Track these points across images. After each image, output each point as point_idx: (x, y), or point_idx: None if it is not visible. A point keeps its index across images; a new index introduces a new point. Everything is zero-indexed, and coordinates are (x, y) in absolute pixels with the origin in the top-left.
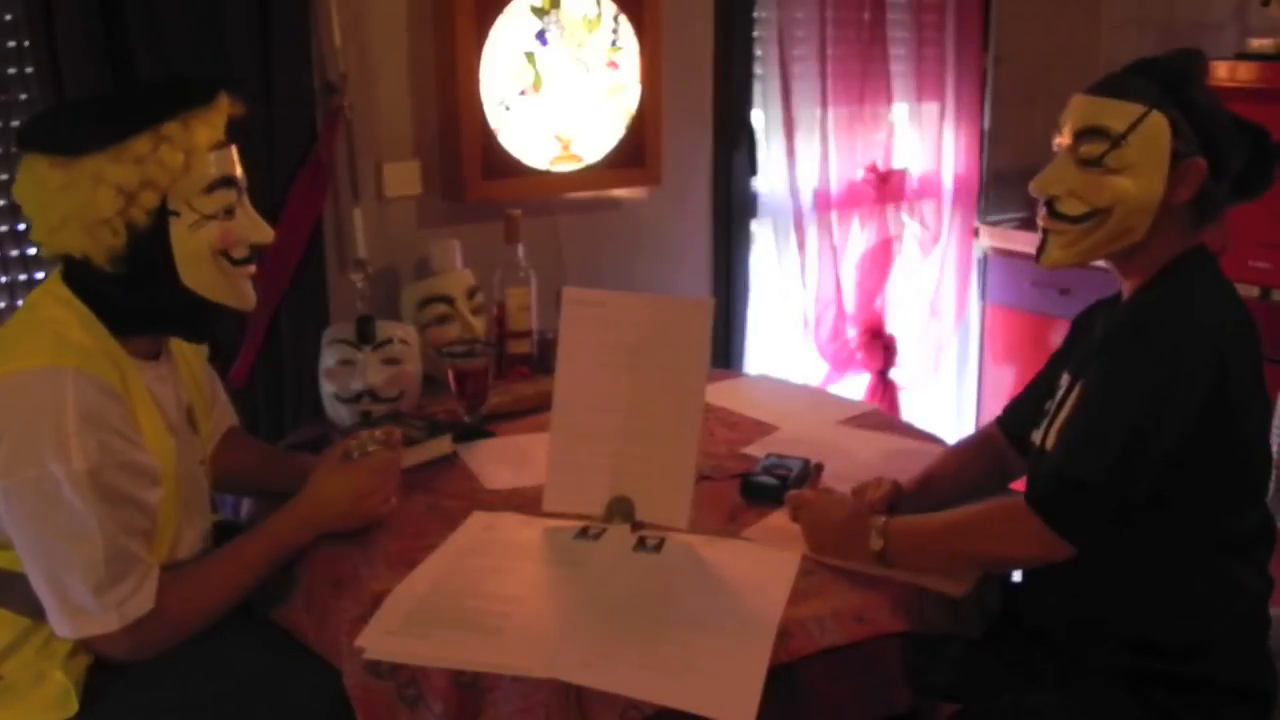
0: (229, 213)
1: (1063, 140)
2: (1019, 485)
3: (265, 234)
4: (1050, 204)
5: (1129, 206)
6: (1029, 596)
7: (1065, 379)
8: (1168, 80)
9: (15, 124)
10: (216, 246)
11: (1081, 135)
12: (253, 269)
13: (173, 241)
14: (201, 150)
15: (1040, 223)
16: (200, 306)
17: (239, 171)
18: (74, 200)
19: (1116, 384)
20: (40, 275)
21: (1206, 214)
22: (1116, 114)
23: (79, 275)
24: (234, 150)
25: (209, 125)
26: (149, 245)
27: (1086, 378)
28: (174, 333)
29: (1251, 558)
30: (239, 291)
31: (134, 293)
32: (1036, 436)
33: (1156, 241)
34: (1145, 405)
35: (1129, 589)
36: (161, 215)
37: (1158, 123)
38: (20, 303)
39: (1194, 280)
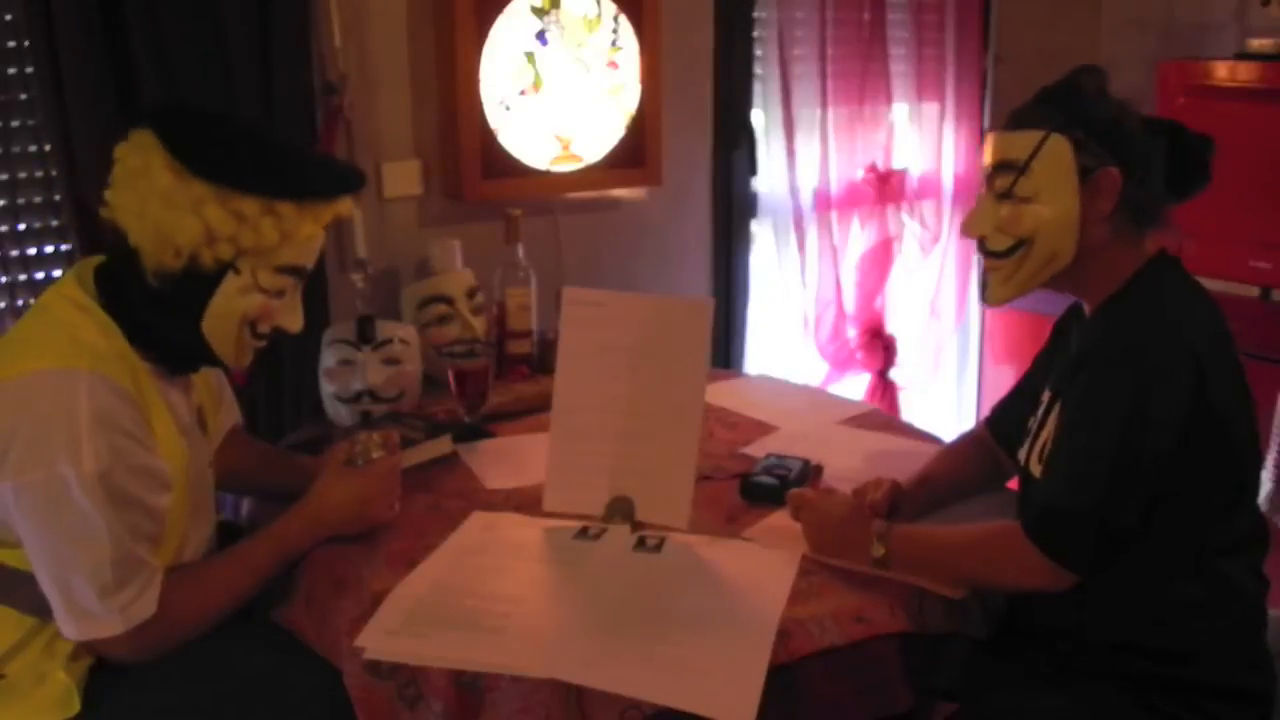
0: (280, 294)
1: (985, 181)
2: (1015, 484)
3: (295, 325)
4: (982, 244)
5: (1048, 231)
6: (1028, 602)
7: (1045, 395)
8: (1063, 101)
9: (15, 124)
10: (250, 316)
11: (995, 171)
12: (262, 345)
13: (217, 292)
14: (298, 238)
15: (983, 263)
16: (201, 351)
17: (312, 263)
18: (165, 209)
19: (1098, 408)
20: (40, 275)
21: (1143, 219)
22: (1019, 145)
23: (116, 263)
24: (321, 242)
25: (317, 219)
26: (196, 284)
27: (1066, 399)
28: (164, 360)
29: (1246, 558)
30: (241, 358)
31: (153, 311)
32: (1022, 455)
33: (1098, 257)
34: (1129, 429)
35: (1125, 597)
36: (224, 267)
37: (1058, 144)
38: (21, 303)
39: (1163, 289)
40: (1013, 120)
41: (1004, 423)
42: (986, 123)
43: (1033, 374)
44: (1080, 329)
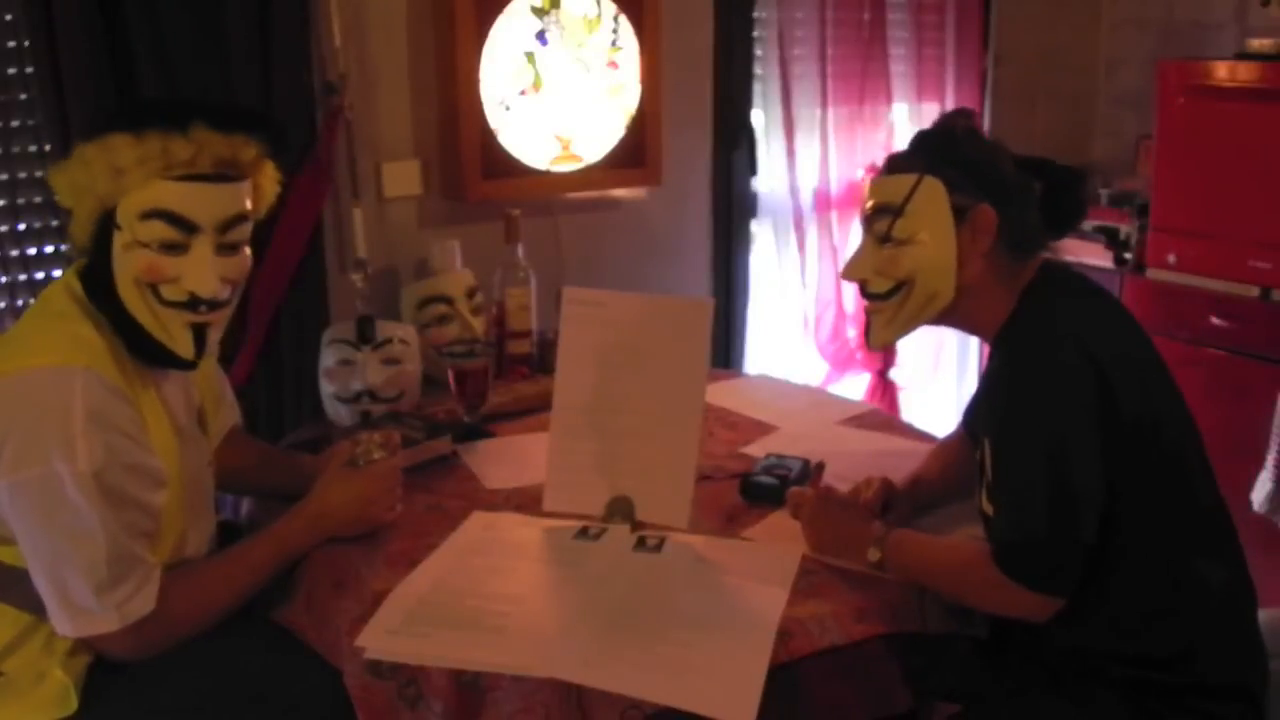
0: (170, 248)
1: (864, 228)
2: None
3: (204, 286)
4: (863, 288)
5: (927, 272)
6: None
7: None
8: (935, 144)
9: (15, 124)
10: (141, 278)
11: (873, 215)
12: (194, 318)
13: (112, 255)
14: (133, 171)
15: (865, 307)
16: (140, 331)
17: (204, 215)
18: (59, 182)
19: (1016, 437)
20: (40, 275)
21: (1022, 250)
22: (895, 188)
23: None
24: (213, 190)
25: (163, 152)
26: (98, 251)
27: (990, 435)
28: (133, 351)
29: (1216, 553)
30: (171, 336)
31: (97, 296)
32: (977, 498)
33: (979, 293)
34: (1050, 449)
35: (1102, 609)
36: (108, 223)
37: (931, 186)
38: (20, 303)
39: (1054, 306)
40: (889, 165)
41: (975, 413)
42: (987, 123)
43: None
44: (990, 363)
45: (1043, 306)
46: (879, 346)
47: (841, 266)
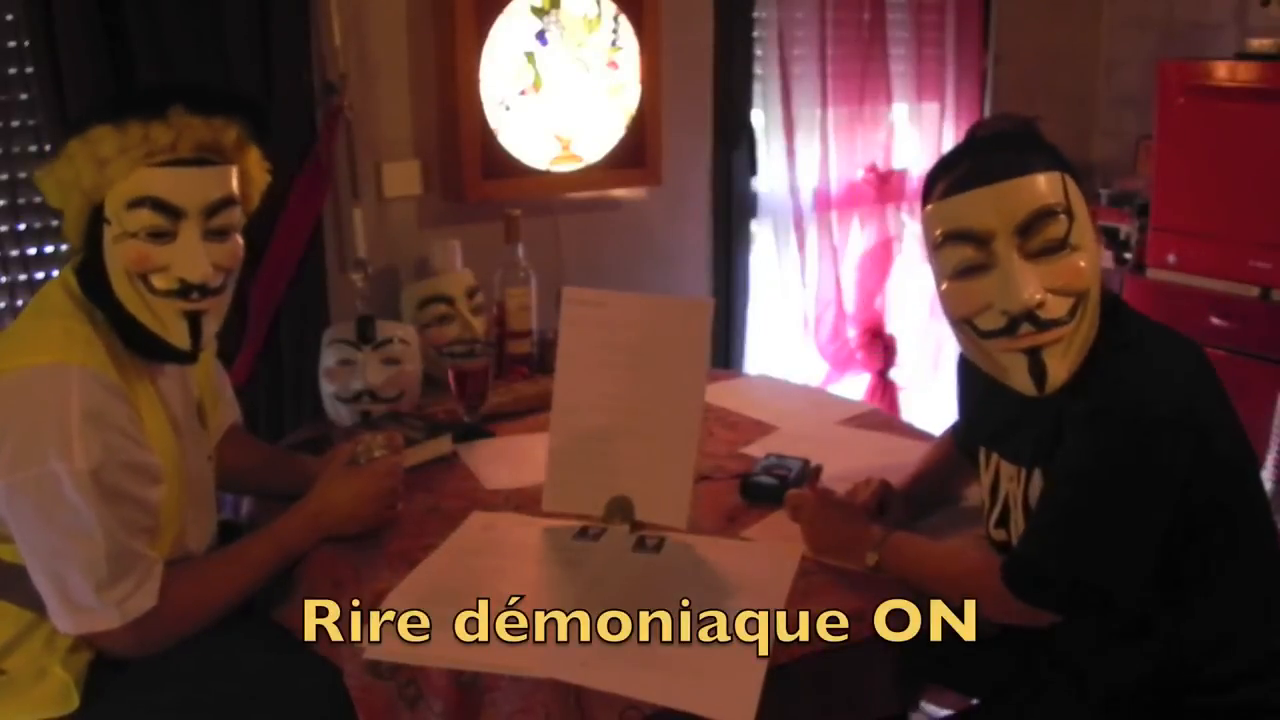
0: (158, 236)
1: (995, 248)
2: None
3: (194, 271)
4: (1033, 315)
5: (1095, 279)
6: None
7: (1014, 470)
8: (1039, 142)
9: (15, 124)
10: (132, 269)
11: (1030, 225)
12: (187, 306)
13: (104, 249)
14: (116, 161)
15: (1024, 344)
16: (136, 326)
17: (188, 199)
18: (45, 184)
19: (1093, 469)
20: (40, 275)
21: None
22: (1047, 189)
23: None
24: (196, 174)
25: (144, 139)
26: (90, 246)
27: (1050, 462)
28: (131, 347)
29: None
30: (166, 327)
31: (93, 292)
32: (999, 535)
33: None
34: (1125, 490)
35: (1168, 631)
36: (98, 219)
37: (1071, 183)
38: (20, 303)
39: (1142, 334)
40: (1011, 166)
41: (968, 440)
42: None
43: (971, 402)
44: (1064, 399)
45: (1130, 334)
46: (1058, 384)
47: (843, 260)
